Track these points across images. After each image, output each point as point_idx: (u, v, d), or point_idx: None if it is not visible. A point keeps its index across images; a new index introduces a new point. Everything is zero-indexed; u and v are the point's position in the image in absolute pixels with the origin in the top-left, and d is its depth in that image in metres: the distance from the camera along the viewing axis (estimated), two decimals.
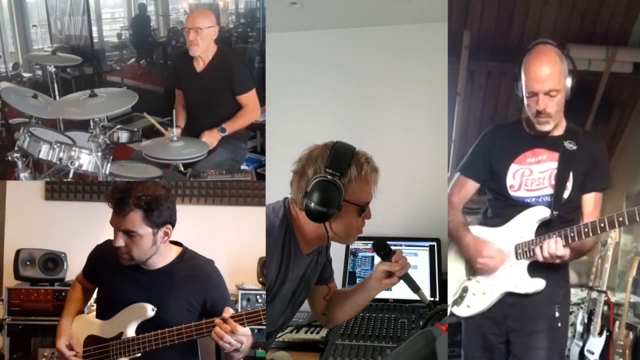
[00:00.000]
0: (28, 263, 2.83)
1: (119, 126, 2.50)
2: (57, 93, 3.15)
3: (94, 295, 2.05)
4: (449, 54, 2.46)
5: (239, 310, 2.05)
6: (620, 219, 1.68)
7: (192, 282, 1.87)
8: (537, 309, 1.88)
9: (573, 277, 2.77)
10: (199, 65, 2.78)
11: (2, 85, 3.32)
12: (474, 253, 1.94)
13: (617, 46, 2.68)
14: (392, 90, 2.88)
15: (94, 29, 4.57)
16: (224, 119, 2.77)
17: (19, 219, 3.12)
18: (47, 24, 4.75)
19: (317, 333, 2.29)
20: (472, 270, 1.99)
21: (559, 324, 1.88)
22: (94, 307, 2.03)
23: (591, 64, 2.69)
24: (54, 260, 2.85)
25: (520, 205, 1.92)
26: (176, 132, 2.60)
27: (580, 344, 2.62)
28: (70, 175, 2.35)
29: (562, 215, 1.86)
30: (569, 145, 1.88)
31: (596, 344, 2.54)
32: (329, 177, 1.51)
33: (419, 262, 2.52)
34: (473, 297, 1.96)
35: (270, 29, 2.94)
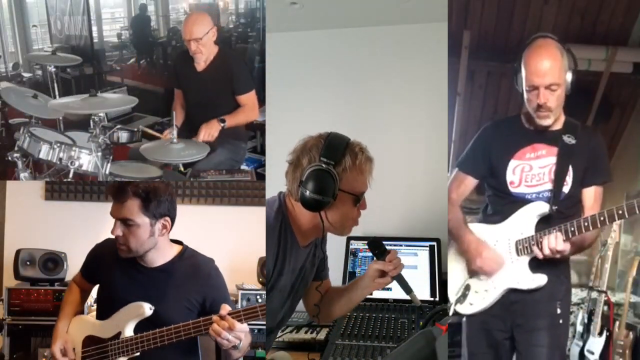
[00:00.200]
0: (28, 263, 2.83)
1: (119, 126, 2.50)
2: (57, 93, 3.15)
3: (94, 296, 2.05)
4: (449, 54, 2.46)
5: None
6: (620, 212, 1.68)
7: (191, 281, 1.87)
8: (539, 305, 1.88)
9: (573, 277, 2.76)
10: (200, 65, 2.78)
11: (2, 85, 3.32)
12: (474, 253, 1.94)
13: (617, 46, 2.68)
14: (392, 90, 2.88)
15: (94, 29, 4.57)
16: None
17: (19, 219, 3.12)
18: (47, 24, 4.75)
19: (317, 333, 2.29)
20: (469, 272, 1.99)
21: (560, 321, 1.88)
22: (94, 308, 2.03)
23: (591, 64, 2.69)
24: (54, 260, 2.85)
25: (520, 202, 1.91)
26: (175, 132, 2.60)
27: (580, 344, 2.62)
28: (70, 175, 2.36)
29: (562, 210, 1.86)
30: (568, 139, 1.88)
31: (596, 344, 2.54)
32: (323, 165, 1.53)
33: (419, 262, 2.52)
34: (476, 295, 1.96)
35: (270, 29, 2.94)
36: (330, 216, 1.59)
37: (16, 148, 2.42)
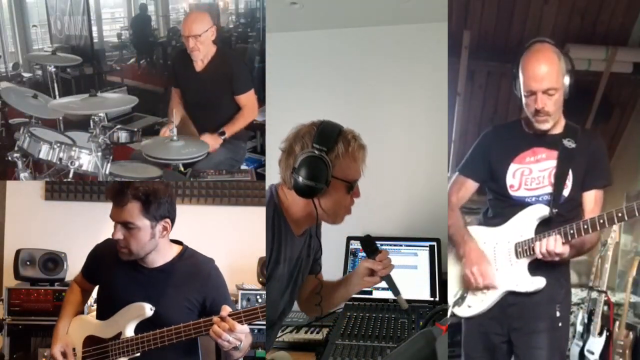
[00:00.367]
0: (28, 263, 2.83)
1: (119, 126, 2.50)
2: (57, 93, 3.16)
3: (94, 296, 2.05)
4: (449, 54, 2.46)
5: None
6: (620, 214, 1.68)
7: (191, 281, 1.87)
8: (538, 308, 1.88)
9: (573, 277, 2.76)
10: (199, 65, 2.78)
11: (2, 85, 3.32)
12: (472, 261, 1.94)
13: (617, 46, 2.68)
14: (392, 90, 2.88)
15: (94, 29, 4.58)
16: (224, 119, 2.77)
17: (19, 219, 3.12)
18: (47, 24, 4.76)
19: (317, 333, 2.29)
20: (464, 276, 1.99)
21: (560, 324, 1.88)
22: (94, 308, 2.03)
23: (591, 64, 2.69)
24: (54, 260, 2.85)
25: (520, 205, 1.91)
26: (175, 130, 2.60)
27: (580, 344, 2.62)
28: (70, 175, 2.36)
29: (563, 214, 1.86)
30: (568, 143, 1.88)
31: (596, 344, 2.54)
32: (316, 152, 1.53)
33: (419, 262, 2.52)
34: (474, 297, 1.96)
35: (270, 29, 2.94)
36: (323, 203, 1.59)
37: (16, 148, 2.42)
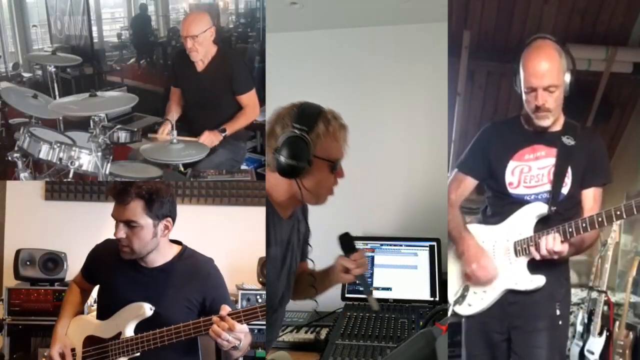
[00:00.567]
0: (28, 263, 2.83)
1: (119, 126, 2.50)
2: (57, 93, 3.15)
3: (94, 296, 2.05)
4: (449, 54, 2.45)
5: None
6: (618, 212, 1.68)
7: (191, 280, 1.87)
8: (538, 306, 1.87)
9: (573, 277, 2.76)
10: (199, 65, 2.78)
11: (2, 85, 3.32)
12: (472, 257, 1.94)
13: (617, 46, 2.67)
14: (392, 90, 2.88)
15: (94, 29, 4.57)
16: (224, 119, 2.77)
17: (19, 219, 3.12)
18: (47, 24, 4.76)
19: (317, 333, 2.29)
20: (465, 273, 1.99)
21: (560, 322, 1.88)
22: (94, 308, 2.03)
23: (591, 64, 2.69)
24: (54, 260, 2.85)
25: (519, 203, 1.91)
26: (175, 132, 2.60)
27: (580, 344, 2.63)
28: (70, 175, 2.35)
29: (562, 212, 1.85)
30: (567, 140, 1.87)
31: (596, 344, 2.54)
32: (297, 132, 1.55)
33: (418, 262, 2.52)
34: (474, 296, 1.96)
35: (270, 29, 2.94)
36: (306, 183, 1.60)
37: (16, 148, 2.42)
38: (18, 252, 2.84)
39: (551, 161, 1.89)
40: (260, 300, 2.71)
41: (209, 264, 1.93)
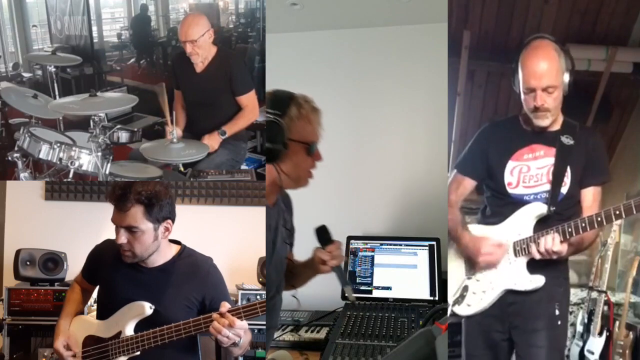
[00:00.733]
0: (28, 263, 2.83)
1: (119, 126, 2.51)
2: (57, 93, 3.16)
3: (94, 296, 2.05)
4: (449, 54, 2.46)
5: None
6: (617, 212, 1.67)
7: (190, 279, 1.87)
8: (537, 306, 1.87)
9: (573, 277, 2.77)
10: (199, 66, 2.78)
11: (2, 85, 3.32)
12: (474, 252, 1.94)
13: (617, 46, 2.67)
14: (392, 91, 2.88)
15: (94, 29, 4.58)
16: (224, 119, 2.77)
17: (19, 219, 3.13)
18: (47, 24, 4.77)
19: (317, 332, 2.29)
20: (473, 269, 1.99)
21: (559, 322, 1.88)
22: (94, 308, 2.03)
23: (591, 64, 2.69)
24: (54, 260, 2.85)
25: (518, 203, 1.91)
26: (176, 132, 2.59)
27: (580, 344, 2.63)
28: (70, 175, 2.35)
29: (561, 212, 1.85)
30: (566, 140, 1.87)
31: (596, 344, 2.54)
32: (270, 116, 1.57)
33: (418, 262, 2.52)
34: (473, 296, 1.96)
35: (271, 29, 2.94)
36: (284, 168, 1.62)
37: (16, 148, 2.42)
38: (18, 252, 2.84)
39: (550, 161, 1.88)
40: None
41: (208, 263, 1.93)
